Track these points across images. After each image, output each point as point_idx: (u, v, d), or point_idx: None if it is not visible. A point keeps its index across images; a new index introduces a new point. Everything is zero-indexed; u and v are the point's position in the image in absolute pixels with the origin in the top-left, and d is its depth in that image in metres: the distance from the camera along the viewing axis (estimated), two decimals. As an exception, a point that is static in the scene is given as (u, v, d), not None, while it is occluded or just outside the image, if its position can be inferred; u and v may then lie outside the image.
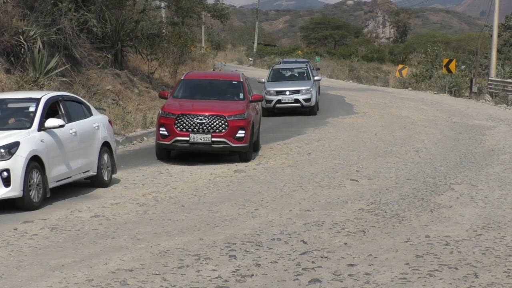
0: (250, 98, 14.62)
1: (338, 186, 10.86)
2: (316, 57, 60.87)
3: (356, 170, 12.33)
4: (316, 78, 24.89)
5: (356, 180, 11.31)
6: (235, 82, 15.01)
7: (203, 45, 56.39)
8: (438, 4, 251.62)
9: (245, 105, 14.03)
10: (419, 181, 11.22)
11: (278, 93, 23.33)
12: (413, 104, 27.86)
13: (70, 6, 19.96)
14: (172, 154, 14.42)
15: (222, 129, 13.39)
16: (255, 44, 77.00)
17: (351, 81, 51.37)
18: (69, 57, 19.68)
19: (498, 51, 37.90)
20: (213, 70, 36.03)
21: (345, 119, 22.06)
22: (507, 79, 33.59)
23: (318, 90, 26.97)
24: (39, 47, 17.60)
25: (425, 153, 14.58)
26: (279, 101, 23.24)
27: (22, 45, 17.56)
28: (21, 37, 17.52)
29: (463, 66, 41.16)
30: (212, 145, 13.44)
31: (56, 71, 17.71)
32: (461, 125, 20.54)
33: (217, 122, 13.41)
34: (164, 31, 28.65)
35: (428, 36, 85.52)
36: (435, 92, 37.47)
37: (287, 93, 23.29)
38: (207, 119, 13.41)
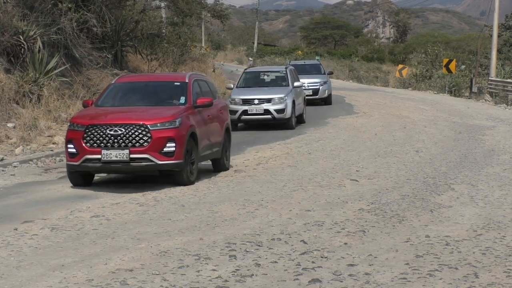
0: (196, 103, 11.77)
1: (338, 186, 10.86)
2: (316, 57, 60.84)
3: (356, 170, 12.33)
4: (296, 84, 20.85)
5: (356, 180, 11.31)
6: (178, 84, 12.20)
7: (203, 45, 56.39)
8: (438, 4, 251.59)
9: (180, 111, 11.18)
10: (419, 181, 11.22)
11: (245, 102, 19.44)
12: (413, 104, 27.87)
13: (70, 6, 19.98)
14: None
15: (143, 142, 10.50)
16: (255, 44, 77.02)
17: (351, 81, 51.39)
18: (69, 57, 19.69)
19: (498, 51, 37.90)
20: (213, 71, 36.00)
21: (345, 119, 22.06)
22: (507, 79, 33.60)
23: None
24: (39, 47, 17.62)
25: (425, 153, 14.58)
26: (245, 112, 19.31)
27: (22, 45, 17.57)
28: (21, 37, 17.53)
29: (463, 66, 41.19)
30: (131, 164, 10.48)
31: (56, 71, 17.73)
32: (461, 125, 20.54)
33: (136, 133, 10.52)
34: (164, 31, 28.66)
35: (428, 36, 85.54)
36: (435, 92, 37.48)
37: (255, 102, 19.39)
38: (124, 130, 10.51)
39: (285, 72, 21.33)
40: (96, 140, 10.55)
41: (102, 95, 12.14)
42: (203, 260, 6.59)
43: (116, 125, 10.57)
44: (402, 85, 43.93)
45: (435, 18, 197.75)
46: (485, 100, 32.04)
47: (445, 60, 36.65)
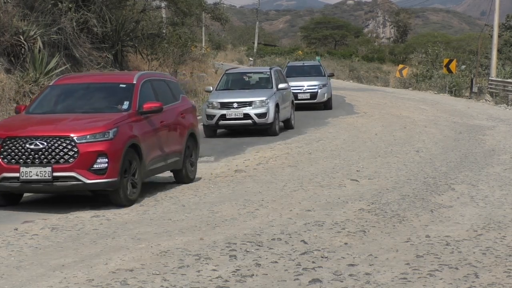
0: (142, 109, 10.07)
1: (338, 186, 10.86)
2: (317, 57, 60.84)
3: (357, 170, 12.33)
4: (281, 86, 19.09)
5: (357, 180, 11.30)
6: (124, 86, 10.46)
7: (203, 45, 56.39)
8: (438, 4, 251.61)
9: (118, 119, 9.56)
10: (419, 181, 11.22)
11: (223, 105, 17.89)
12: (413, 104, 27.87)
13: (70, 6, 20.00)
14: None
15: (68, 158, 8.97)
16: (256, 44, 76.98)
17: (351, 81, 51.39)
18: (69, 57, 19.71)
19: (499, 51, 37.92)
20: (216, 72, 35.93)
21: (345, 119, 22.06)
22: (507, 79, 33.60)
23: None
24: (39, 47, 17.64)
25: (426, 153, 14.57)
26: (223, 117, 17.78)
27: (22, 45, 17.59)
28: (21, 37, 17.55)
29: (463, 66, 41.21)
30: (55, 183, 8.98)
31: (56, 71, 17.74)
32: (462, 125, 20.53)
33: (60, 147, 8.99)
34: (164, 31, 28.66)
35: (428, 36, 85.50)
36: (435, 92, 37.48)
37: (235, 105, 17.85)
38: (46, 144, 8.99)
39: (269, 73, 19.55)
40: (14, 156, 9.05)
41: (35, 100, 10.54)
42: (203, 260, 6.59)
43: (37, 138, 9.02)
44: (403, 85, 43.93)
45: (436, 18, 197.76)
46: (486, 100, 32.04)
47: (446, 60, 36.66)
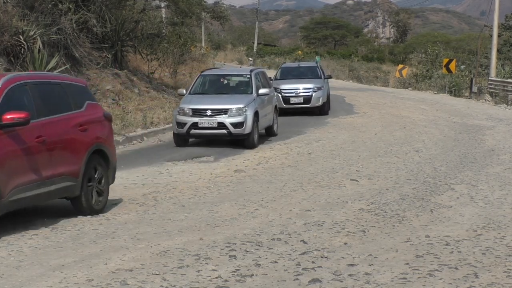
0: (1, 121, 7.59)
1: (338, 186, 10.86)
2: (316, 57, 60.87)
3: (356, 170, 12.33)
4: (262, 91, 17.00)
5: (356, 180, 11.31)
6: None
7: (203, 45, 56.41)
8: (438, 4, 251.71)
9: None
10: (419, 181, 11.22)
11: (195, 112, 15.79)
12: (413, 104, 27.87)
13: (70, 6, 19.99)
14: (175, 152, 14.39)
15: None
16: (255, 44, 77.02)
17: (351, 81, 51.39)
18: (69, 57, 19.70)
19: (498, 51, 37.91)
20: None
21: (345, 119, 22.06)
22: (507, 79, 33.61)
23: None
24: (39, 47, 17.63)
25: (425, 153, 14.58)
26: (194, 125, 15.72)
27: (22, 45, 17.58)
28: (21, 37, 17.54)
29: (463, 66, 41.21)
30: None
31: (56, 71, 17.72)
32: (461, 125, 20.54)
33: None
34: (164, 31, 28.65)
35: (428, 36, 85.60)
36: (435, 92, 37.48)
37: (208, 113, 15.70)
38: None
39: (249, 76, 17.36)
40: None
41: None
42: (203, 260, 6.59)
43: None
44: (402, 85, 43.93)
45: (435, 18, 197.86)
46: (485, 100, 32.05)
47: (445, 60, 36.66)
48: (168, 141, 17.25)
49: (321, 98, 23.23)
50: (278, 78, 24.57)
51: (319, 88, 23.34)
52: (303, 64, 27.81)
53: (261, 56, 68.40)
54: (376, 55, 79.95)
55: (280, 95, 22.69)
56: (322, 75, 24.77)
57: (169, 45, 27.20)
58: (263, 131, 17.44)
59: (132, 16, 25.97)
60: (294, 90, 23.28)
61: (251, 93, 16.78)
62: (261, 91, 16.96)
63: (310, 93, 23.18)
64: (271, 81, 22.10)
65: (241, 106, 15.84)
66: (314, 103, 23.18)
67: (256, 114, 16.16)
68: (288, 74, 24.96)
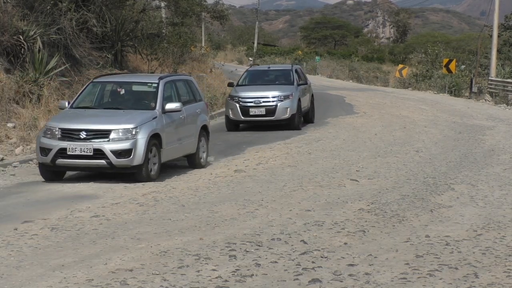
0: None
1: (338, 186, 10.86)
2: (316, 57, 60.92)
3: (356, 170, 12.33)
4: (169, 106, 12.30)
5: (356, 180, 11.31)
6: None
7: (203, 45, 56.42)
8: (438, 4, 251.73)
9: None
10: (419, 181, 11.22)
11: (65, 134, 11.48)
12: (413, 104, 27.87)
13: (70, 6, 19.98)
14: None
15: None
16: (255, 44, 77.05)
17: (351, 81, 51.40)
18: (69, 56, 19.69)
19: (498, 51, 37.90)
20: (210, 71, 35.94)
21: (345, 119, 22.05)
22: (507, 79, 33.62)
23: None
24: (39, 47, 17.63)
25: (425, 153, 14.58)
26: (62, 152, 11.37)
27: (22, 45, 17.57)
28: (21, 37, 17.54)
29: (463, 66, 41.22)
30: None
31: (56, 70, 17.74)
32: (461, 125, 20.54)
33: None
34: (164, 31, 28.65)
35: (428, 36, 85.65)
36: (435, 92, 37.49)
37: (82, 135, 11.34)
38: None
39: (156, 85, 12.70)
40: None
41: None
42: (203, 260, 6.59)
43: None
44: (402, 85, 43.94)
45: (435, 18, 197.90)
46: (485, 100, 32.06)
47: (445, 60, 36.67)
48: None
49: (288, 109, 19.14)
50: (242, 83, 20.55)
51: (286, 97, 19.23)
52: (274, 67, 23.50)
53: (261, 56, 68.40)
54: (376, 55, 79.99)
55: (237, 105, 19.13)
56: (296, 80, 20.34)
57: (169, 45, 27.19)
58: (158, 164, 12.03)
59: (132, 16, 25.97)
60: (255, 99, 19.21)
61: (154, 108, 12.23)
62: (169, 106, 12.32)
63: (274, 103, 19.15)
64: (235, 87, 19.92)
65: (129, 126, 11.42)
66: (280, 115, 19.13)
67: (156, 138, 11.85)
68: (256, 80, 20.93)
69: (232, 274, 6.15)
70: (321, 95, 31.90)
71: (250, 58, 66.86)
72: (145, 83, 13.15)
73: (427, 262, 6.52)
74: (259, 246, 7.13)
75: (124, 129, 11.42)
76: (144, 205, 9.50)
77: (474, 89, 33.92)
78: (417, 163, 13.24)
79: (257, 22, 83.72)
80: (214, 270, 6.28)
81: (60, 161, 11.41)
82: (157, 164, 11.92)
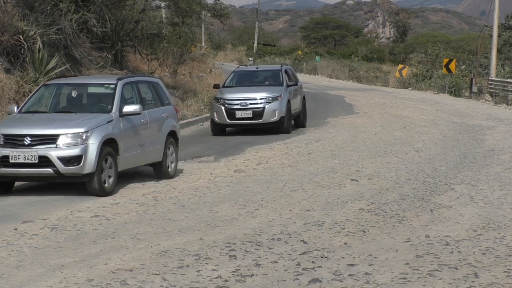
0: None
1: (338, 186, 10.86)
2: (316, 57, 60.89)
3: (356, 170, 12.33)
4: (128, 109, 11.17)
5: (356, 180, 11.31)
6: None
7: (203, 45, 56.41)
8: (438, 4, 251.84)
9: None
10: (419, 181, 11.22)
11: (8, 140, 10.40)
12: (413, 104, 27.87)
13: (70, 6, 19.99)
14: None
15: None
16: (255, 44, 77.01)
17: (351, 81, 51.39)
18: (69, 57, 19.69)
19: (498, 51, 37.92)
20: (210, 71, 35.97)
21: (345, 119, 22.05)
22: (507, 79, 33.63)
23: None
24: (39, 47, 17.63)
25: (425, 153, 14.58)
26: (4, 160, 10.26)
27: (22, 45, 17.58)
28: (21, 37, 17.54)
29: (463, 66, 41.22)
30: None
31: (56, 71, 17.74)
32: (461, 125, 20.54)
33: None
34: (164, 31, 28.65)
35: (428, 36, 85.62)
36: (435, 92, 37.50)
37: (26, 141, 10.27)
38: None
39: (114, 86, 11.47)
40: None
41: None
42: (203, 260, 6.59)
43: None
44: (402, 85, 43.95)
45: (435, 18, 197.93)
46: (485, 100, 32.07)
47: (445, 60, 36.66)
48: (168, 141, 17.26)
49: (277, 111, 18.19)
50: (228, 85, 19.59)
51: (274, 99, 18.30)
52: (262, 68, 22.61)
53: (261, 56, 68.39)
54: (376, 55, 79.92)
55: (223, 107, 18.17)
56: (285, 81, 19.38)
57: (169, 45, 27.18)
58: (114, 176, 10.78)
59: (132, 16, 25.97)
60: (241, 101, 18.23)
61: (110, 111, 11.07)
62: (127, 108, 11.18)
63: (262, 105, 18.17)
64: (221, 88, 18.97)
65: (79, 130, 10.33)
66: (268, 118, 18.14)
67: (112, 144, 10.73)
68: (243, 81, 19.93)
69: (232, 274, 6.15)
70: (321, 95, 31.92)
71: (250, 58, 66.84)
72: (101, 85, 11.95)
73: (427, 262, 6.53)
74: (259, 246, 7.14)
75: (74, 133, 10.29)
76: (144, 205, 9.50)
77: (474, 89, 33.92)
78: (417, 163, 13.24)
79: (257, 22, 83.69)
80: (214, 270, 6.28)
81: (2, 170, 10.24)
82: (113, 173, 10.64)
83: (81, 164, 10.15)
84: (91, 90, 11.92)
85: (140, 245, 7.20)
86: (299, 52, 69.84)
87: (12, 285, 5.92)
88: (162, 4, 30.22)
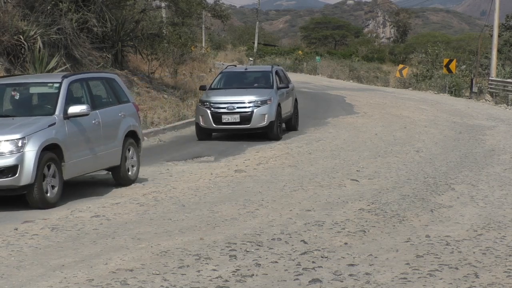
0: None
1: (338, 186, 10.86)
2: (317, 57, 60.90)
3: (357, 170, 12.33)
4: (73, 110, 10.01)
5: (357, 180, 11.31)
6: None
7: (203, 45, 56.42)
8: (438, 4, 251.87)
9: None
10: (419, 181, 11.22)
11: None
12: (413, 104, 27.87)
13: (70, 6, 19.99)
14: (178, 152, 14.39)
15: None
16: (256, 44, 77.01)
17: (351, 81, 51.38)
18: (69, 57, 19.70)
19: (499, 51, 37.91)
20: (210, 71, 36.01)
21: (345, 119, 22.05)
22: (507, 79, 33.62)
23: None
24: (40, 47, 17.65)
25: (426, 153, 14.58)
26: None
27: (23, 45, 17.59)
28: (21, 37, 17.55)
29: (463, 66, 41.22)
30: None
31: (57, 71, 17.74)
32: (462, 125, 20.54)
33: None
34: (164, 31, 28.67)
35: (428, 36, 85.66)
36: (435, 92, 37.50)
37: None
38: None
39: (58, 85, 10.32)
40: None
41: None
42: (203, 260, 6.59)
43: None
44: (403, 85, 43.95)
45: (436, 18, 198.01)
46: (486, 100, 32.07)
47: (446, 60, 36.66)
48: (168, 141, 17.27)
49: (266, 116, 16.99)
50: (216, 87, 18.44)
51: (264, 102, 17.09)
52: (252, 69, 21.59)
53: (261, 56, 68.39)
54: (376, 55, 79.94)
55: (208, 111, 16.98)
56: (276, 83, 18.24)
57: (169, 45, 27.20)
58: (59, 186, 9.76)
59: (132, 16, 25.99)
60: (228, 104, 17.03)
61: (53, 113, 9.91)
62: (73, 110, 9.99)
63: (250, 109, 16.98)
64: (207, 91, 17.88)
65: (14, 137, 9.14)
66: (256, 123, 16.98)
67: (55, 150, 9.62)
68: (231, 83, 18.72)
69: (233, 274, 6.15)
70: (322, 95, 31.92)
71: (251, 58, 66.84)
72: (45, 84, 10.69)
73: (428, 262, 6.52)
74: (259, 246, 7.14)
75: (7, 141, 9.06)
76: (145, 205, 9.50)
77: (475, 89, 33.93)
78: (417, 163, 13.24)
79: (257, 22, 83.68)
80: (214, 270, 6.28)
81: None
82: (57, 183, 9.58)
83: (17, 175, 9.01)
84: (33, 90, 10.74)
85: (140, 245, 7.21)
86: (300, 52, 69.84)
87: (12, 285, 5.92)
88: (163, 4, 30.24)
